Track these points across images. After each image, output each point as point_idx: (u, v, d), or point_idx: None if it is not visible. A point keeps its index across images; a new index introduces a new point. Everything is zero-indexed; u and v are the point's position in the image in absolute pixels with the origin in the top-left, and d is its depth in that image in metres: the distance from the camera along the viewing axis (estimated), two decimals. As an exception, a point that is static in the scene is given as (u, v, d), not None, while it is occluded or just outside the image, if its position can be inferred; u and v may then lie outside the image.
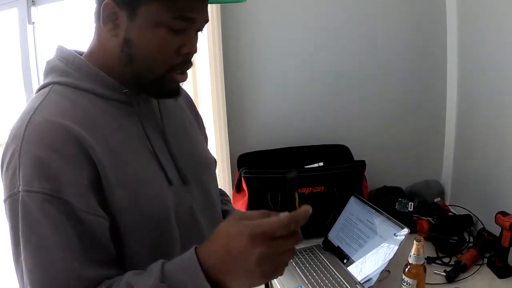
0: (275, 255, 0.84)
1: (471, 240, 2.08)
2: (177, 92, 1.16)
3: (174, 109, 1.27)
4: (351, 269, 1.89)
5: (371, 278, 1.78)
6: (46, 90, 1.05)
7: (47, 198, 0.93)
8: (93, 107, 1.06)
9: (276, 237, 0.83)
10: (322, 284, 1.82)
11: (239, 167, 2.23)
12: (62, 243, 0.94)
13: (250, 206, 2.12)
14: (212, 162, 1.37)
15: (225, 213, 1.39)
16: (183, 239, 1.14)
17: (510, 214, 1.80)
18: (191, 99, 1.43)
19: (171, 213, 1.11)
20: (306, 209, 0.86)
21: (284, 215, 0.85)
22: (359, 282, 1.82)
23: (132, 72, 1.08)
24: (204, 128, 1.45)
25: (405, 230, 1.76)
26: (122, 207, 1.02)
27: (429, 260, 1.97)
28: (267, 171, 2.12)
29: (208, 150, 1.39)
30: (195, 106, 1.43)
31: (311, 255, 2.04)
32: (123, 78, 1.09)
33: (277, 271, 0.86)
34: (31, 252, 0.94)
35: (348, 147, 2.39)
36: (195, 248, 0.91)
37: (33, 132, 0.96)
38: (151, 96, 1.16)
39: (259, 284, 0.88)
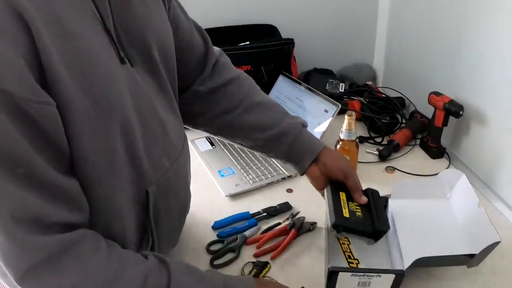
0: None
1: (404, 121, 2.01)
2: None
3: None
4: None
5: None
6: None
7: None
8: None
9: None
10: (252, 164, 1.74)
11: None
12: (7, 148, 0.72)
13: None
14: (169, 36, 1.11)
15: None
16: (145, 141, 0.97)
17: (443, 94, 1.73)
18: None
19: (128, 100, 0.90)
20: None
21: None
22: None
23: None
24: None
25: (336, 106, 1.67)
26: (70, 94, 0.77)
27: (362, 140, 1.90)
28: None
29: (165, 21, 1.11)
30: None
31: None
32: None
33: None
34: None
35: (277, 27, 2.23)
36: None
37: None
38: None
39: None
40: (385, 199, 1.30)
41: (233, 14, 2.21)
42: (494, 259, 1.27)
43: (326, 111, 1.69)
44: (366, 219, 1.18)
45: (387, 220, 1.20)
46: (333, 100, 1.69)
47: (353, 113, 1.55)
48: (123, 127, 0.89)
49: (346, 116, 1.55)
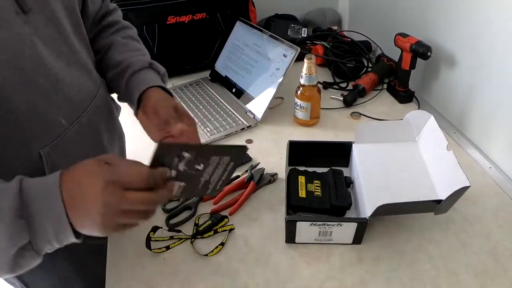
0: (120, 210, 0.76)
1: (370, 66, 1.93)
2: None
3: None
4: (242, 100, 1.74)
5: (262, 106, 1.63)
6: None
7: None
8: None
9: (129, 189, 0.76)
10: (210, 116, 1.67)
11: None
12: None
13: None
14: None
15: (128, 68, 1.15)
16: (29, 97, 0.87)
17: (410, 35, 1.64)
18: None
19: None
20: (164, 170, 0.81)
21: (145, 168, 0.79)
22: (249, 110, 1.67)
23: None
24: None
25: (295, 50, 1.58)
26: None
27: (326, 85, 1.83)
28: (139, 1, 1.84)
29: None
30: None
31: (198, 89, 1.87)
32: None
33: (117, 229, 0.79)
34: None
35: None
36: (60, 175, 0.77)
37: None
38: None
39: (99, 234, 0.78)
40: (349, 178, 1.30)
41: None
42: (466, 207, 1.23)
43: (285, 55, 1.60)
44: (325, 197, 1.21)
45: (348, 196, 1.22)
46: (291, 44, 1.60)
47: (313, 56, 1.47)
48: None
49: (305, 60, 1.47)
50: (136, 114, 1.13)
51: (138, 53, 1.21)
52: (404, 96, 1.73)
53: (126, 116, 1.26)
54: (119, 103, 1.25)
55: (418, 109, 1.68)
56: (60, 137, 0.95)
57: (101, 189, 0.73)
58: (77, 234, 0.77)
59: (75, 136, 0.99)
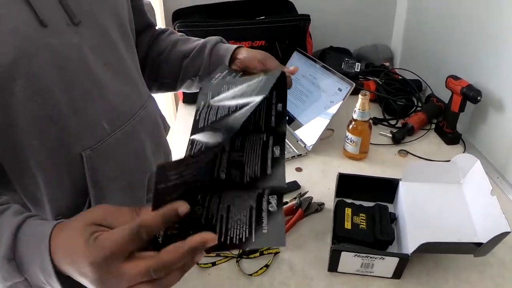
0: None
1: (420, 105, 1.96)
2: None
3: None
4: (292, 126, 1.78)
5: (313, 136, 1.66)
6: None
7: None
8: None
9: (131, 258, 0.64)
10: None
11: (173, 22, 2.01)
12: None
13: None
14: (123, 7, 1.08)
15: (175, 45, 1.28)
16: (72, 98, 0.90)
17: (461, 78, 1.67)
18: None
19: (41, 57, 0.83)
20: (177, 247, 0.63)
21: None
22: (300, 139, 1.71)
23: None
24: None
25: (350, 85, 1.62)
26: None
27: (376, 121, 1.87)
28: (202, 23, 1.92)
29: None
30: None
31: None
32: None
33: None
34: None
35: (293, 2, 2.17)
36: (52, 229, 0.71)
37: None
38: None
39: None
40: (393, 214, 1.33)
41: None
42: (504, 251, 1.25)
43: (340, 89, 1.65)
44: (370, 230, 1.25)
45: (392, 232, 1.25)
46: (347, 79, 1.64)
47: (367, 93, 1.51)
48: (29, 79, 0.82)
49: (360, 96, 1.51)
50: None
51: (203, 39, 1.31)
52: (451, 137, 1.75)
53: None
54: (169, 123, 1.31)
55: (464, 151, 1.71)
56: (102, 141, 0.97)
57: (91, 272, 0.63)
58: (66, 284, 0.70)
59: (117, 143, 1.00)
